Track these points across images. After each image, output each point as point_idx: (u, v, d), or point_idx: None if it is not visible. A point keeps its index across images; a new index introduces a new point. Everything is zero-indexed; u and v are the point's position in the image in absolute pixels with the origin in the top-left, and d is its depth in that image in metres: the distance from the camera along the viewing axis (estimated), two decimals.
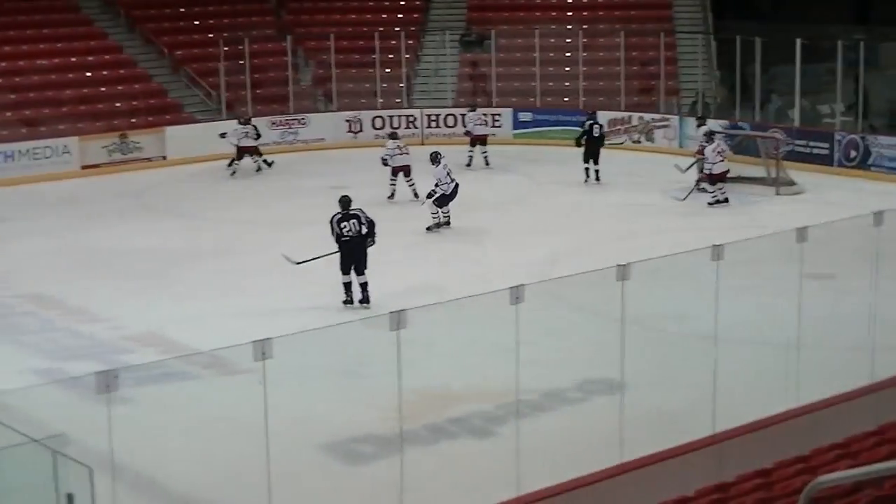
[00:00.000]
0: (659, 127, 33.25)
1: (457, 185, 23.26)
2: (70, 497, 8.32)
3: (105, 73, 35.21)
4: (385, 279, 19.18)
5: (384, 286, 18.91)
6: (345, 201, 18.60)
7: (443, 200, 23.25)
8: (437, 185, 23.15)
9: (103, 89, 34.45)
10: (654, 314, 15.91)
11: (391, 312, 10.49)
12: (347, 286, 18.43)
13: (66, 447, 8.52)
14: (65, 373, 15.28)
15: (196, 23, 38.32)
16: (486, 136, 31.31)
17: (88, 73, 34.90)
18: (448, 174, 23.29)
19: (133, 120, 33.31)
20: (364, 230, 18.38)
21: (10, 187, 28.57)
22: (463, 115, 33.01)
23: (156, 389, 13.98)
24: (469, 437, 13.58)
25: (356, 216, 18.45)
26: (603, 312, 13.45)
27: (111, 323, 17.75)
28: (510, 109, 35.11)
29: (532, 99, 35.50)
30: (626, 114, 34.05)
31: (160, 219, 25.82)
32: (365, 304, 18.34)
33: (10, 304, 19.02)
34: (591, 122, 29.02)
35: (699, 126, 28.35)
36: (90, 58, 35.55)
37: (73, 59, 35.24)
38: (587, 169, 28.50)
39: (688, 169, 26.92)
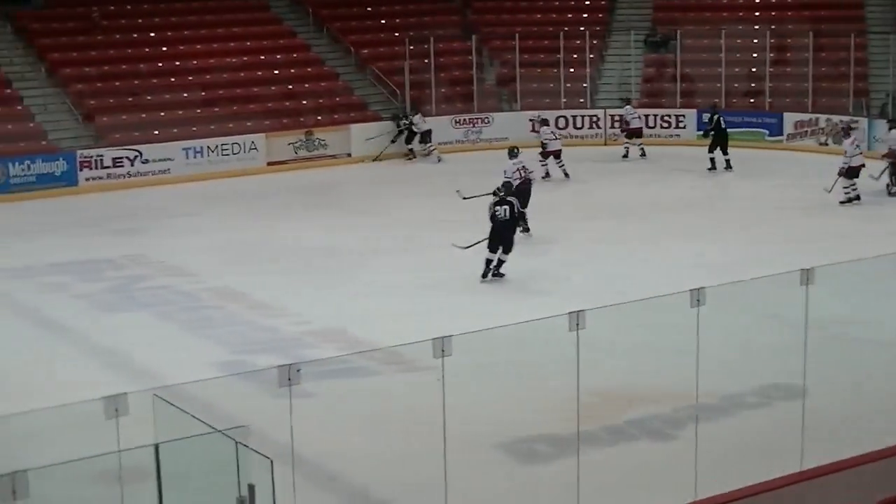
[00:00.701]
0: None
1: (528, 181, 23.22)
2: (251, 487, 8.46)
3: (292, 71, 35.82)
4: (562, 279, 19.22)
5: (561, 286, 18.93)
6: (507, 186, 20.61)
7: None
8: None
9: (290, 87, 35.07)
10: (838, 319, 15.58)
11: (570, 312, 10.45)
12: (489, 263, 19.90)
13: (248, 438, 8.66)
14: (248, 365, 15.56)
15: (382, 22, 38.74)
16: (640, 128, 32.20)
17: (276, 72, 35.53)
18: (519, 170, 23.13)
19: (319, 118, 33.82)
20: (513, 216, 19.98)
21: (198, 183, 29.27)
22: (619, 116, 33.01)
23: (336, 384, 14.19)
24: (647, 440, 13.46)
25: (510, 203, 19.90)
26: (785, 316, 13.21)
27: (294, 318, 18.03)
28: (694, 111, 34.70)
29: (717, 100, 35.05)
30: (813, 115, 33.36)
31: (344, 215, 26.14)
32: (499, 276, 19.94)
33: (199, 297, 19.46)
34: (717, 115, 30.46)
35: (890, 129, 27.64)
36: (278, 56, 36.19)
37: (262, 58, 35.90)
38: (712, 159, 29.74)
39: (880, 175, 26.30)
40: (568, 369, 10.67)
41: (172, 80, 33.92)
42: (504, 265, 20.00)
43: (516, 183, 22.47)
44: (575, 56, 36.17)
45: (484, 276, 19.90)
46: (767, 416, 13.84)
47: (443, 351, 10.02)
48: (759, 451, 12.68)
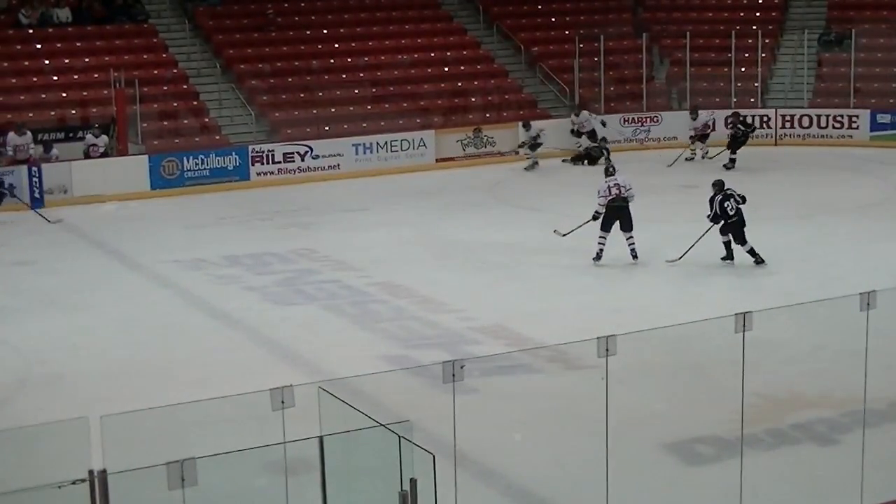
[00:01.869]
0: None
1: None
2: (413, 482, 8.52)
3: (462, 68, 35.99)
4: (729, 279, 19.06)
5: (729, 285, 18.74)
6: (719, 184, 20.59)
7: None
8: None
9: (460, 84, 35.25)
10: None
11: (737, 314, 10.32)
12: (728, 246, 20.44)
13: (411, 433, 8.72)
14: (414, 360, 15.68)
15: (553, 20, 38.74)
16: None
17: (446, 69, 35.74)
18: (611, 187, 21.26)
19: (487, 115, 33.92)
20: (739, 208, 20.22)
21: (369, 178, 29.59)
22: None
23: (500, 381, 14.23)
24: (812, 444, 13.22)
25: (732, 196, 20.26)
26: None
27: (460, 314, 18.10)
28: (868, 111, 33.93)
29: (892, 100, 34.23)
30: None
31: (512, 212, 26.19)
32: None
33: (366, 292, 19.66)
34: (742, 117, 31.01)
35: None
36: (448, 53, 36.43)
37: (432, 55, 36.18)
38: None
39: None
40: (734, 371, 10.55)
41: (343, 76, 34.37)
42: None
43: (604, 202, 20.99)
44: (746, 55, 35.68)
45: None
46: None
47: (607, 350, 9.98)
48: None
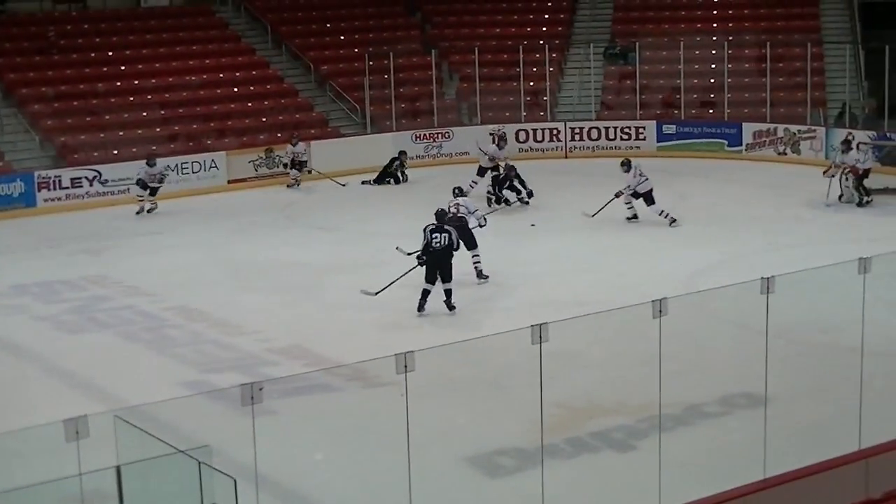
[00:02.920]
0: (805, 138, 32.69)
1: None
2: None
3: (252, 88, 35.74)
4: (527, 290, 19.29)
5: (526, 297, 19.00)
6: (440, 215, 19.52)
7: None
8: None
9: (250, 104, 35.00)
10: (798, 327, 15.67)
11: (533, 325, 10.46)
12: (426, 294, 18.91)
13: (211, 458, 8.62)
14: (211, 385, 15.51)
15: (342, 38, 38.75)
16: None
17: (236, 89, 35.47)
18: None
19: (279, 135, 33.75)
20: (451, 244, 19.05)
21: (160, 201, 29.13)
22: None
23: (300, 401, 14.17)
24: (610, 451, 13.48)
25: (448, 232, 19.10)
26: (746, 325, 13.26)
27: (257, 335, 17.98)
28: (654, 122, 34.83)
29: (676, 111, 35.20)
30: (771, 125, 33.55)
31: (305, 233, 26.12)
32: (451, 311, 18.87)
33: (160, 317, 19.37)
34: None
35: (844, 151, 27.40)
36: (238, 73, 36.16)
37: (222, 75, 35.86)
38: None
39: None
40: (532, 382, 10.67)
41: (131, 99, 33.79)
42: (452, 295, 19.01)
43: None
44: (535, 69, 36.30)
45: (420, 308, 18.83)
46: (730, 425, 13.90)
47: (405, 366, 10.01)
48: (722, 460, 12.74)
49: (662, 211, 24.73)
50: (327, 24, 39.29)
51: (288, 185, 31.04)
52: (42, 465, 9.30)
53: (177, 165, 31.05)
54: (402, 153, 32.12)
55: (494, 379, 14.61)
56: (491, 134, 30.83)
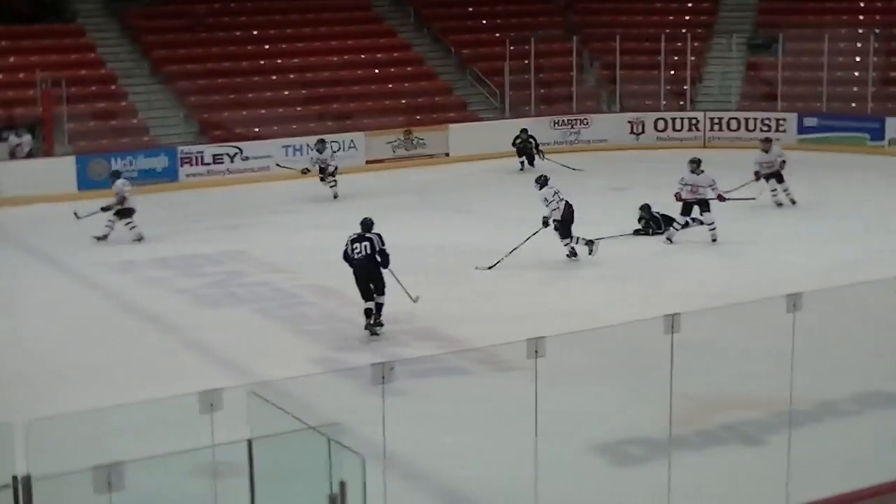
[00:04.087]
0: None
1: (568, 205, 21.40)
2: (342, 484, 8.49)
3: (393, 70, 35.98)
4: (666, 281, 19.21)
5: (665, 287, 18.88)
6: (365, 223, 17.67)
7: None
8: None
9: (390, 86, 35.23)
10: None
11: (665, 315, 10.38)
12: (369, 313, 17.17)
13: (341, 436, 8.69)
14: (343, 363, 15.64)
15: (483, 22, 38.80)
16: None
17: (377, 70, 35.73)
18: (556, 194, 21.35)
19: (418, 117, 33.92)
20: (373, 253, 17.21)
21: (298, 180, 29.45)
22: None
23: (430, 383, 14.22)
24: (739, 445, 13.31)
25: (370, 239, 17.30)
26: (884, 323, 13.02)
27: (390, 316, 18.06)
28: (795, 114, 34.30)
29: (819, 104, 34.63)
30: None
31: (442, 215, 26.19)
32: (376, 329, 17.15)
33: (296, 294, 19.59)
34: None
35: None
36: (379, 55, 36.40)
37: (363, 56, 36.14)
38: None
39: None
40: (663, 373, 10.60)
41: (273, 78, 34.27)
42: (382, 310, 17.33)
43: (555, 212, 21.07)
44: (676, 58, 35.96)
45: (369, 328, 17.18)
46: (863, 423, 13.65)
47: (536, 351, 10.00)
48: (854, 458, 12.52)
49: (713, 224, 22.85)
50: (469, 7, 39.36)
51: (335, 197, 28.05)
52: (177, 435, 9.48)
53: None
54: (524, 131, 31.83)
55: (625, 368, 14.52)
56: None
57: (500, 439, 12.63)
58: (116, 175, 24.92)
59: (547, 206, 21.13)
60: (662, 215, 22.99)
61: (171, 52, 34.45)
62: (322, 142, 27.88)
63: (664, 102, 35.67)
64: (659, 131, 34.25)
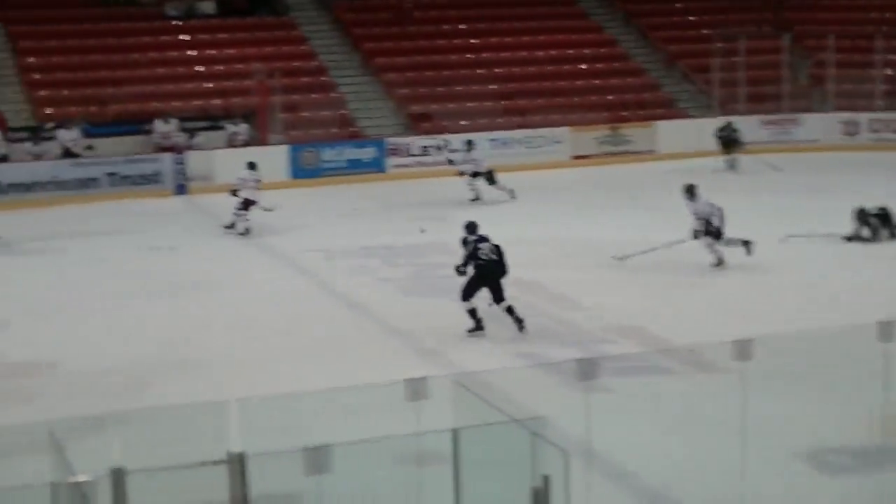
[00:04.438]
0: None
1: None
2: (545, 479, 8.53)
3: (599, 65, 35.89)
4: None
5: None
6: (472, 226, 17.77)
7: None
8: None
9: (597, 82, 35.14)
10: None
11: (879, 322, 10.17)
12: (475, 312, 17.05)
13: (544, 430, 8.73)
14: (546, 357, 15.65)
15: (691, 18, 38.39)
16: None
17: (583, 66, 35.69)
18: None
19: (624, 113, 33.75)
20: (501, 259, 17.12)
21: (504, 173, 29.55)
22: None
23: (634, 381, 14.14)
24: None
25: (494, 245, 17.30)
26: None
27: (593, 312, 18.03)
28: None
29: None
30: None
31: (646, 212, 26.00)
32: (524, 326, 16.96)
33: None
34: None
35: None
36: (585, 50, 36.36)
37: (569, 52, 36.15)
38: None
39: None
40: (874, 381, 10.38)
41: (481, 71, 34.47)
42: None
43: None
44: (892, 56, 35.02)
45: (481, 328, 16.98)
46: None
47: (742, 353, 9.89)
48: None
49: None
50: (677, 3, 38.99)
51: (474, 199, 27.21)
52: (383, 421, 9.65)
53: (521, 139, 31.54)
54: (729, 123, 31.33)
55: (835, 373, 14.22)
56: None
57: (704, 440, 12.51)
58: (252, 166, 25.23)
59: (709, 215, 20.63)
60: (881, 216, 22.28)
61: (379, 45, 34.95)
62: (470, 143, 27.74)
63: (880, 103, 34.76)
64: (874, 132, 33.40)
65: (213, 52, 33.80)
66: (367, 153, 30.51)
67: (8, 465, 9.46)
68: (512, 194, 26.87)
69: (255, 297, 19.29)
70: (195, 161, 29.04)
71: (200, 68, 33.18)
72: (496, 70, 34.80)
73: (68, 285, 20.26)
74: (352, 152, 30.43)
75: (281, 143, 30.42)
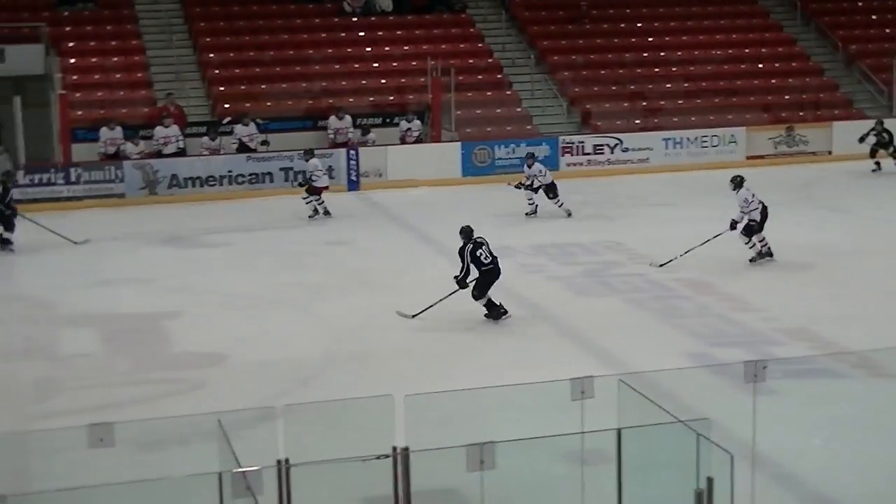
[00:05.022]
0: None
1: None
2: (710, 480, 8.49)
3: (777, 65, 35.36)
4: None
5: None
6: (467, 230, 18.09)
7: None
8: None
9: (774, 81, 34.61)
10: None
11: None
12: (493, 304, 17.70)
13: (708, 431, 8.69)
14: (714, 358, 15.52)
15: (873, 17, 37.58)
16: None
17: (760, 65, 35.19)
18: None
19: (801, 113, 33.22)
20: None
21: (677, 173, 29.42)
22: None
23: (802, 384, 13.96)
24: None
25: (488, 246, 17.89)
26: None
27: (764, 313, 17.80)
28: None
29: None
30: None
31: (821, 213, 25.61)
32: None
33: (670, 287, 19.51)
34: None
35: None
36: (763, 49, 35.86)
37: (747, 51, 35.70)
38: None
39: None
40: None
41: (656, 70, 34.29)
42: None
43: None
44: None
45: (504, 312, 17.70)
46: None
47: None
48: None
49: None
50: (858, 2, 38.20)
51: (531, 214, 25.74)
52: (547, 419, 9.69)
53: (695, 139, 31.27)
54: (879, 122, 30.50)
55: None
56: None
57: (873, 447, 12.29)
58: (310, 154, 26.25)
59: (747, 206, 20.78)
60: None
61: (555, 43, 34.96)
62: (532, 156, 26.73)
63: None
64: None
65: (389, 48, 34.14)
66: (540, 151, 30.47)
67: (176, 454, 9.74)
68: (569, 213, 25.72)
69: (424, 292, 19.45)
70: (368, 157, 29.42)
71: (375, 65, 33.55)
72: (672, 69, 34.52)
73: (240, 278, 20.73)
74: (525, 150, 30.44)
75: (453, 141, 30.62)
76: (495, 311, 17.70)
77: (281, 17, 34.63)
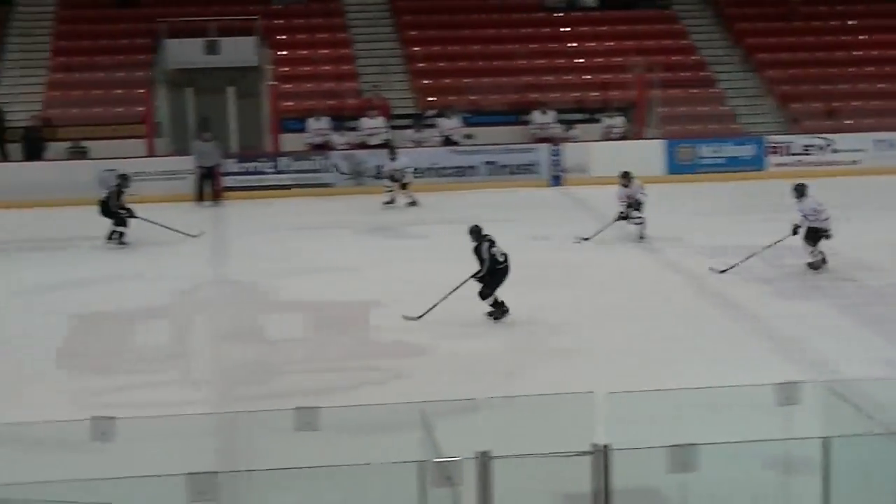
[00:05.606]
0: None
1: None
2: None
3: None
4: None
5: None
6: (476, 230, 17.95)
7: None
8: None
9: None
10: None
11: None
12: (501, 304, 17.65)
13: None
14: None
15: None
16: None
17: None
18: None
19: None
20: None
21: (888, 176, 28.59)
22: None
23: None
24: None
25: (495, 241, 17.78)
26: None
27: None
28: None
29: None
30: None
31: None
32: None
33: (883, 293, 18.99)
34: None
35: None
36: None
37: None
38: None
39: None
40: None
41: (869, 69, 33.42)
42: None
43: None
44: None
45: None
46: None
47: None
48: None
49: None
50: None
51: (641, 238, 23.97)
52: (751, 424, 9.55)
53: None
54: None
55: None
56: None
57: None
58: (396, 153, 27.35)
59: (817, 215, 20.38)
60: None
61: (763, 40, 34.40)
62: (627, 175, 25.45)
63: None
64: None
65: (593, 44, 34.04)
66: (745, 151, 30.11)
67: (378, 442, 9.86)
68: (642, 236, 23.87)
69: (624, 290, 19.36)
70: (571, 153, 29.41)
71: (580, 60, 33.48)
72: (885, 68, 33.63)
73: (442, 268, 20.82)
74: (730, 149, 30.11)
75: (657, 138, 30.38)
76: (499, 311, 17.61)
77: (485, 12, 34.82)
